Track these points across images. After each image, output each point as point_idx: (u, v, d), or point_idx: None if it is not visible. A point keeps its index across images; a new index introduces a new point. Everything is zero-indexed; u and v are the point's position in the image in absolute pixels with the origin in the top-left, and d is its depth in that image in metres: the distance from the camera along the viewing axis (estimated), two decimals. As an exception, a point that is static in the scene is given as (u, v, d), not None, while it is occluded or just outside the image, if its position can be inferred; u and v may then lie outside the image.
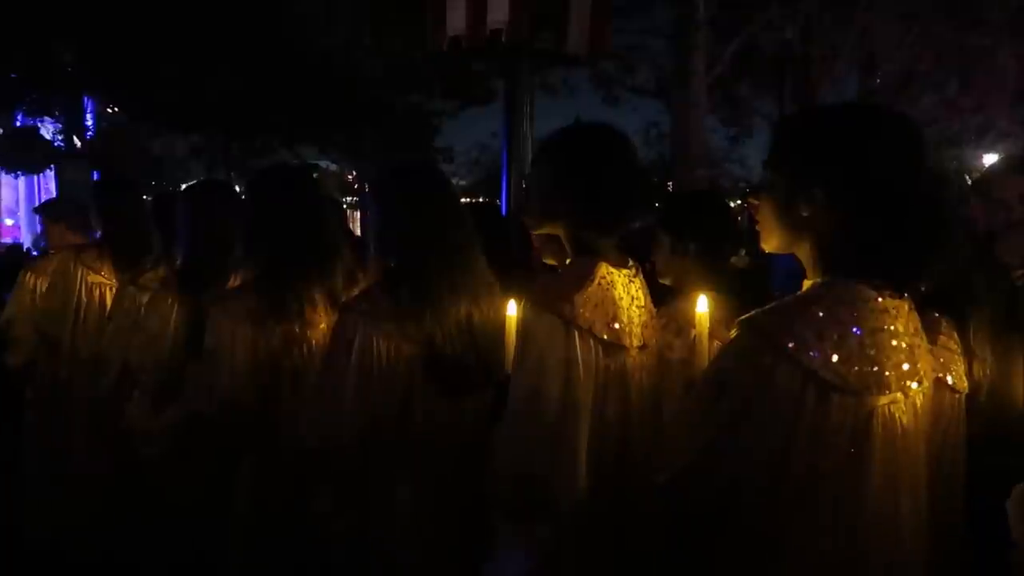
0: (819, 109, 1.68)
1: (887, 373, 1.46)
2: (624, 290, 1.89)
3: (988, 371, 2.00)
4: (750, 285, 2.87)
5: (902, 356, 1.49)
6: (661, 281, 2.52)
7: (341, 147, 18.61)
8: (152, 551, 2.97)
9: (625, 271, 1.93)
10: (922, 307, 1.61)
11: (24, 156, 12.48)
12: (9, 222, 20.21)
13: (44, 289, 3.81)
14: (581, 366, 1.77)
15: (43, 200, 5.65)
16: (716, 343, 1.93)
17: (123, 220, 3.62)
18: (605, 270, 1.86)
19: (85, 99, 14.22)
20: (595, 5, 4.47)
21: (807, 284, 1.55)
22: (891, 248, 1.48)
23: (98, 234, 3.79)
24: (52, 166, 13.34)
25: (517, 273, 2.60)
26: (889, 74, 14.16)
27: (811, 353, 1.42)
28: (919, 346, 1.55)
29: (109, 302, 3.59)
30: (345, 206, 17.52)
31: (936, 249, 1.55)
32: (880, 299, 1.48)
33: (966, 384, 1.94)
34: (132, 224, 3.58)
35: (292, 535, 2.40)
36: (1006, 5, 12.65)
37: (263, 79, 13.06)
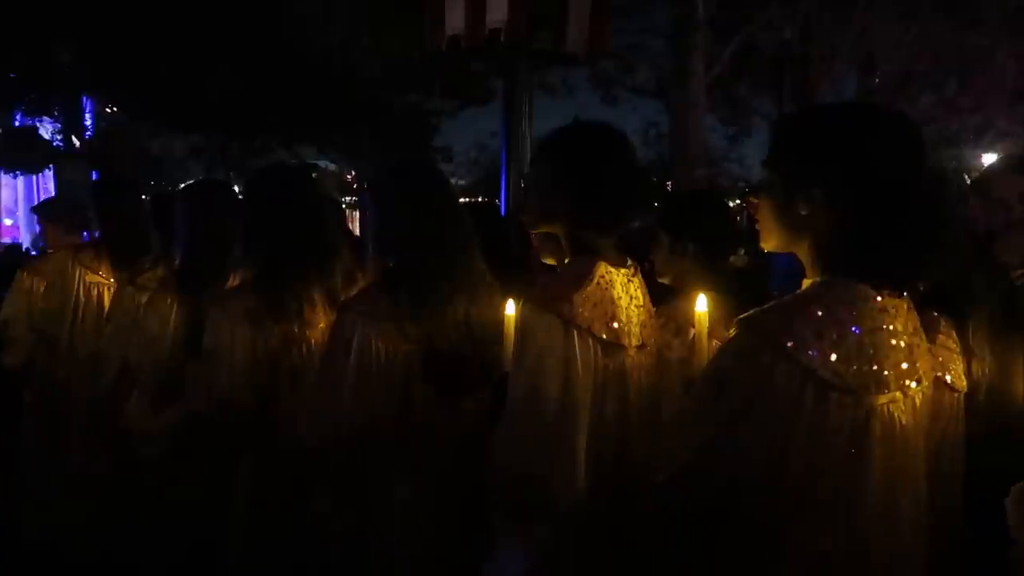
0: (817, 108, 1.68)
1: (886, 372, 1.46)
2: (623, 289, 1.89)
3: (987, 370, 2.00)
4: (749, 284, 2.88)
5: (901, 355, 1.49)
6: (660, 280, 2.52)
7: (340, 147, 18.62)
8: (150, 551, 2.97)
9: (624, 270, 1.93)
10: (921, 306, 1.61)
11: (23, 156, 12.49)
12: (8, 222, 20.18)
13: (40, 289, 3.81)
14: (580, 365, 1.77)
15: (41, 200, 5.65)
16: (715, 342, 1.93)
17: (121, 220, 3.62)
18: (604, 269, 1.86)
19: (84, 99, 14.23)
20: (594, 5, 4.47)
21: (806, 283, 1.55)
22: (890, 247, 1.48)
23: (94, 234, 3.78)
24: (51, 166, 13.34)
25: (516, 273, 2.60)
26: (888, 74, 14.17)
27: (810, 352, 1.41)
28: (918, 345, 1.54)
29: (107, 302, 3.59)
30: (344, 206, 17.52)
31: (935, 248, 1.55)
32: (879, 298, 1.48)
33: (965, 383, 1.94)
34: (130, 224, 3.58)
35: (291, 535, 2.40)
36: (1004, 5, 12.66)
37: (262, 79, 13.06)
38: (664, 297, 2.40)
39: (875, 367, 1.45)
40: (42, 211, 4.43)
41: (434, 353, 2.17)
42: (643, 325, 1.95)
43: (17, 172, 14.51)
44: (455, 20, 4.36)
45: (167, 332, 2.88)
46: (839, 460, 1.45)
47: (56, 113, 13.68)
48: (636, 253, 2.09)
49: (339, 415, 2.13)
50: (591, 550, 1.86)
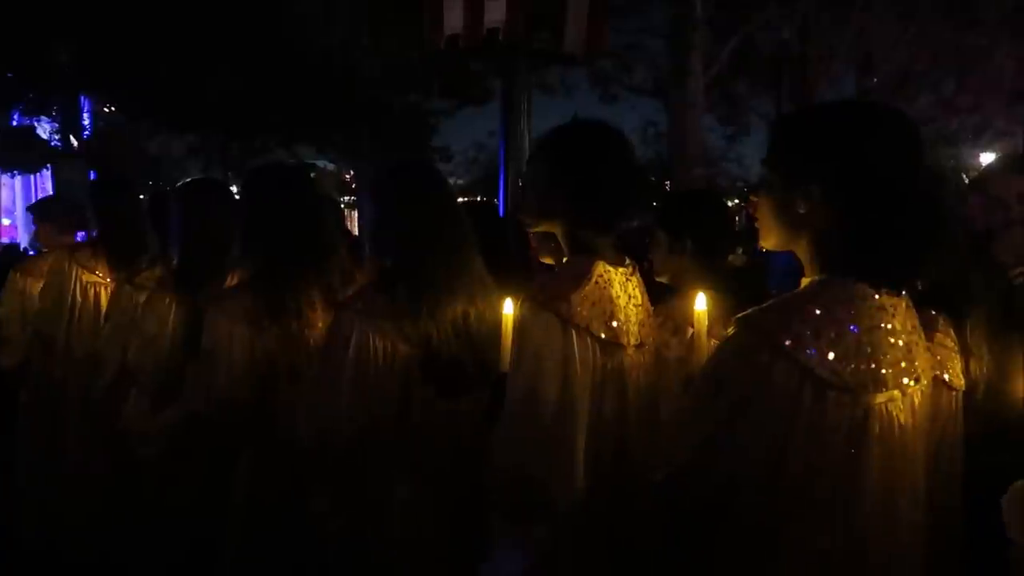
0: (816, 107, 1.69)
1: (884, 371, 1.46)
2: (621, 289, 1.89)
3: (985, 369, 2.00)
4: (747, 283, 2.88)
5: (899, 354, 1.49)
6: (658, 280, 2.52)
7: (339, 147, 18.60)
8: (149, 551, 2.96)
9: (622, 269, 1.92)
10: (919, 305, 1.61)
11: (21, 156, 12.49)
12: (6, 222, 20.18)
13: (33, 289, 3.82)
14: (578, 365, 1.77)
15: (36, 199, 5.65)
16: (713, 341, 1.93)
17: (119, 220, 3.61)
18: (602, 268, 1.86)
19: (82, 99, 14.22)
20: (592, 5, 4.47)
21: (805, 282, 1.55)
22: (888, 246, 1.48)
23: (89, 234, 3.78)
24: (49, 166, 13.34)
25: (514, 272, 2.60)
26: (886, 74, 14.18)
27: (808, 351, 1.41)
28: (917, 344, 1.54)
29: (104, 301, 3.59)
30: (343, 205, 17.53)
31: (933, 247, 1.55)
32: (877, 297, 1.48)
33: (963, 382, 1.94)
34: (128, 224, 3.58)
35: (289, 534, 2.40)
36: (1002, 5, 12.68)
37: (261, 79, 13.05)
38: (662, 296, 2.40)
39: (873, 366, 1.45)
40: (36, 210, 4.43)
41: (432, 353, 2.17)
42: (641, 324, 1.95)
43: (15, 172, 14.52)
44: (454, 20, 4.37)
45: (165, 332, 2.87)
46: (837, 459, 1.45)
47: (54, 113, 13.68)
48: (634, 252, 2.08)
49: (337, 414, 2.12)
50: (589, 550, 1.86)
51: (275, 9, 13.18)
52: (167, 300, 2.90)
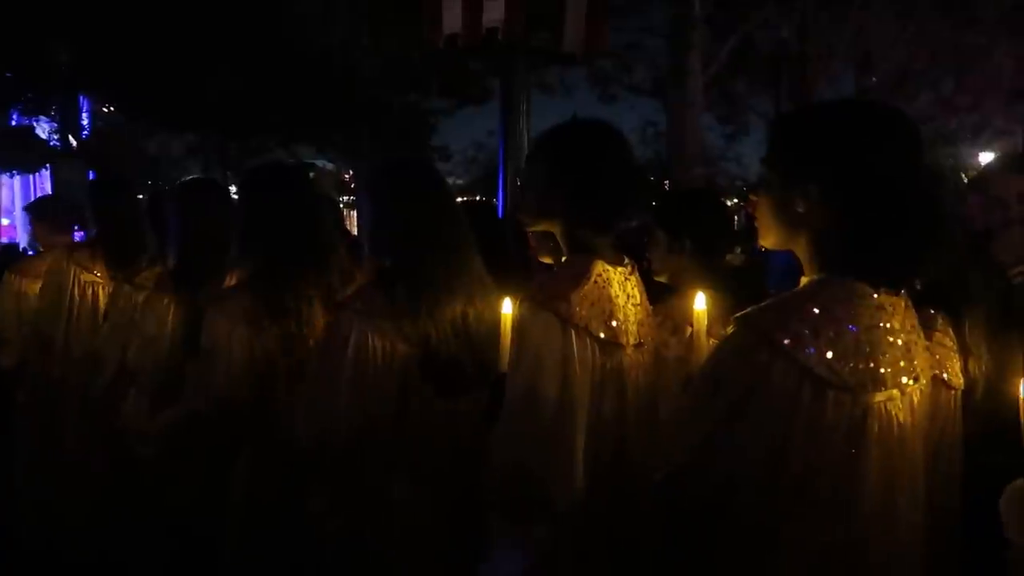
0: (815, 106, 1.69)
1: (883, 370, 1.46)
2: (620, 288, 1.89)
3: (984, 368, 2.00)
4: (746, 283, 2.88)
5: (898, 353, 1.49)
6: (656, 279, 2.52)
7: (338, 146, 18.60)
8: (147, 550, 2.96)
9: (621, 269, 1.92)
10: (918, 304, 1.61)
11: (19, 155, 12.49)
12: (5, 222, 20.16)
13: (28, 290, 3.84)
14: (577, 364, 1.77)
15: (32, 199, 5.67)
16: (712, 341, 1.93)
17: (117, 219, 3.61)
18: (601, 268, 1.86)
19: (81, 98, 14.20)
20: (591, 4, 4.47)
21: (804, 281, 1.55)
22: (886, 245, 1.47)
23: (83, 234, 3.78)
24: (47, 166, 13.34)
25: (513, 272, 2.60)
26: (885, 72, 14.19)
27: (807, 350, 1.41)
28: (916, 343, 1.54)
29: (102, 301, 3.60)
30: (342, 205, 17.53)
31: (932, 246, 1.55)
32: (876, 296, 1.48)
33: (962, 381, 1.94)
34: (126, 223, 3.58)
35: (287, 534, 2.39)
36: (1001, 3, 12.69)
37: (260, 78, 13.04)
38: (661, 296, 2.40)
39: (872, 365, 1.45)
40: (31, 210, 4.44)
41: (431, 352, 2.17)
42: (640, 324, 1.94)
43: (14, 172, 14.50)
44: (452, 19, 4.37)
45: (164, 332, 2.87)
46: (836, 458, 1.45)
47: (53, 113, 13.67)
48: (633, 252, 2.08)
49: (336, 414, 2.12)
50: (589, 550, 1.86)
51: (274, 9, 13.17)
52: (166, 300, 2.90)
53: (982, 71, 13.80)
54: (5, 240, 16.17)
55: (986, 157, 12.88)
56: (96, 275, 3.66)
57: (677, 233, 2.48)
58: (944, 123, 15.10)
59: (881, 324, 1.47)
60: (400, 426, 2.17)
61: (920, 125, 1.59)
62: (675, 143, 12.81)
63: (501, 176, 4.67)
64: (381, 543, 2.19)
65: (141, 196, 4.25)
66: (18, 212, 19.14)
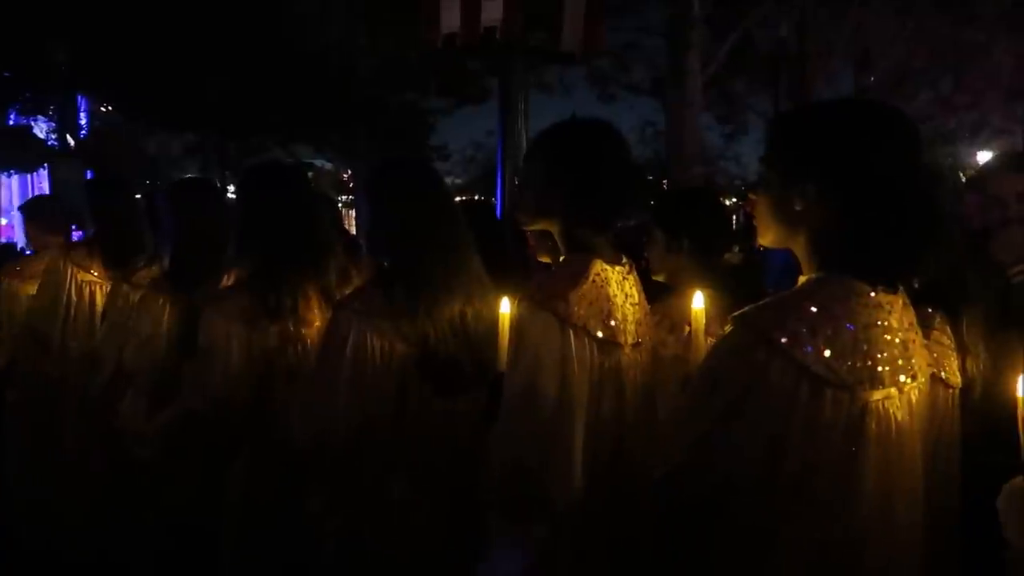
0: (814, 105, 1.69)
1: (881, 368, 1.46)
2: (618, 287, 1.89)
3: (982, 367, 2.00)
4: (744, 281, 2.88)
5: (896, 351, 1.49)
6: (655, 278, 2.52)
7: (336, 146, 18.60)
8: (146, 550, 2.96)
9: (619, 268, 1.92)
10: (916, 302, 1.61)
11: (17, 155, 12.47)
12: (3, 221, 20.14)
13: (19, 291, 3.86)
14: (576, 364, 1.77)
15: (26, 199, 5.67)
16: (710, 340, 1.93)
17: (114, 219, 3.61)
18: (599, 267, 1.86)
19: (79, 98, 14.19)
20: (589, 4, 4.47)
21: (802, 280, 1.55)
22: (884, 243, 1.47)
23: (81, 233, 3.78)
24: (45, 165, 13.32)
25: (511, 271, 2.59)
26: (884, 71, 14.20)
27: (804, 348, 1.41)
28: (914, 341, 1.54)
29: (99, 300, 3.60)
30: (340, 205, 17.52)
31: (930, 245, 1.55)
32: (874, 294, 1.48)
33: (960, 379, 1.94)
34: (124, 223, 3.58)
35: (285, 533, 2.39)
36: (1001, 1, 12.68)
37: (259, 78, 13.04)
38: (659, 295, 2.40)
39: (870, 363, 1.45)
40: (24, 210, 4.45)
41: (430, 352, 2.16)
42: (638, 323, 1.94)
43: (11, 171, 14.49)
44: (450, 18, 4.37)
45: (160, 332, 2.87)
46: (834, 457, 1.45)
47: (51, 112, 13.66)
48: (631, 251, 2.08)
49: (334, 414, 2.12)
50: (588, 549, 1.86)
51: (273, 9, 13.17)
52: (161, 300, 2.90)
53: (981, 69, 13.81)
54: (3, 240, 16.16)
55: (984, 156, 12.89)
56: (93, 274, 3.66)
57: (675, 232, 2.48)
58: (943, 122, 15.12)
59: (879, 323, 1.47)
60: (398, 426, 2.17)
61: (919, 124, 1.58)
62: (674, 142, 12.80)
63: (499, 175, 4.67)
64: (380, 543, 2.19)
65: (139, 196, 4.25)
66: (16, 212, 19.14)
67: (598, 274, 1.85)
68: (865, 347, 1.45)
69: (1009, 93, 14.23)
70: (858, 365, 1.44)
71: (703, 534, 1.58)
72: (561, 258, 1.96)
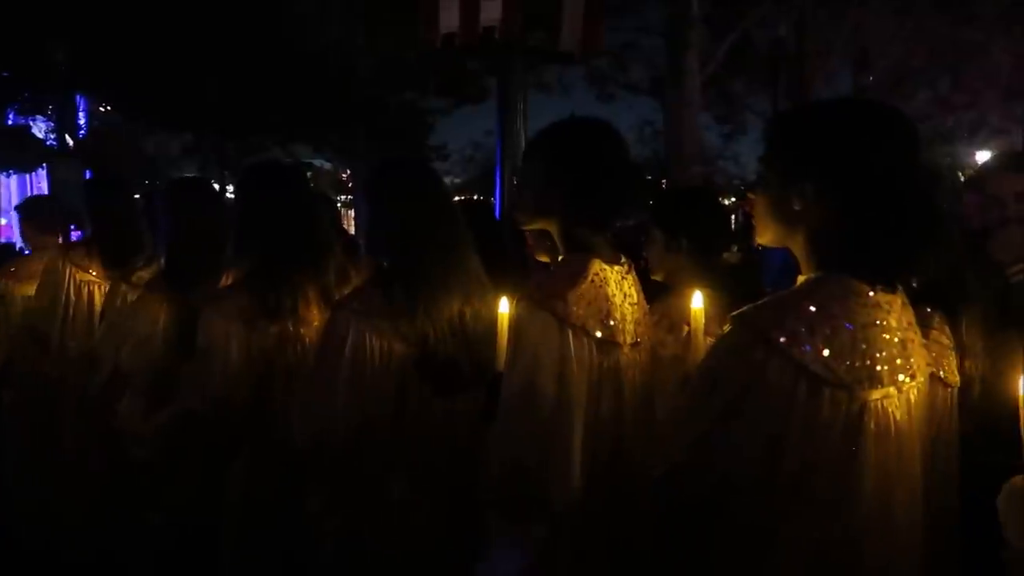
0: (812, 105, 1.69)
1: (879, 368, 1.46)
2: (617, 287, 1.89)
3: (980, 366, 2.00)
4: (742, 281, 2.88)
5: (894, 351, 1.49)
6: (653, 277, 2.52)
7: (335, 146, 18.59)
8: (145, 550, 2.96)
9: (618, 268, 1.92)
10: (914, 302, 1.61)
11: (16, 155, 12.45)
12: (2, 221, 20.13)
13: (14, 292, 3.88)
14: (574, 363, 1.77)
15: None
16: (708, 339, 1.93)
17: (113, 219, 3.61)
18: (598, 267, 1.86)
19: (77, 98, 14.18)
20: (588, 3, 4.46)
21: (801, 279, 1.55)
22: (883, 243, 1.47)
23: (80, 233, 3.79)
24: (44, 165, 13.31)
25: (510, 270, 2.59)
26: (883, 71, 14.21)
27: (803, 348, 1.41)
28: (913, 341, 1.54)
29: (98, 300, 3.60)
30: (339, 204, 17.52)
31: (928, 245, 1.55)
32: (872, 294, 1.48)
33: (958, 379, 1.94)
34: (122, 223, 3.58)
35: (285, 533, 2.39)
36: (998, 0, 12.69)
37: (258, 78, 13.04)
38: (658, 294, 2.40)
39: (868, 362, 1.45)
40: (20, 210, 4.45)
41: (429, 352, 2.16)
42: (637, 323, 1.94)
43: (10, 171, 14.47)
44: (449, 18, 4.36)
45: (157, 332, 2.86)
46: (833, 456, 1.45)
47: (49, 112, 13.65)
48: (630, 250, 2.08)
49: (333, 414, 2.12)
50: (587, 549, 1.86)
51: (272, 9, 13.16)
52: (157, 300, 2.89)
53: (979, 69, 13.82)
54: (3, 240, 16.15)
55: (983, 156, 12.91)
56: (92, 274, 3.66)
57: (674, 232, 2.48)
58: (941, 122, 15.14)
59: (877, 322, 1.47)
60: (398, 426, 2.17)
61: (917, 124, 1.59)
62: (672, 142, 12.80)
63: (498, 175, 4.66)
64: (379, 543, 2.19)
65: (138, 196, 4.25)
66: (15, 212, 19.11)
67: (597, 274, 1.85)
68: (864, 346, 1.45)
69: (1007, 93, 14.24)
70: (857, 364, 1.44)
71: (702, 534, 1.58)
72: (560, 258, 1.96)
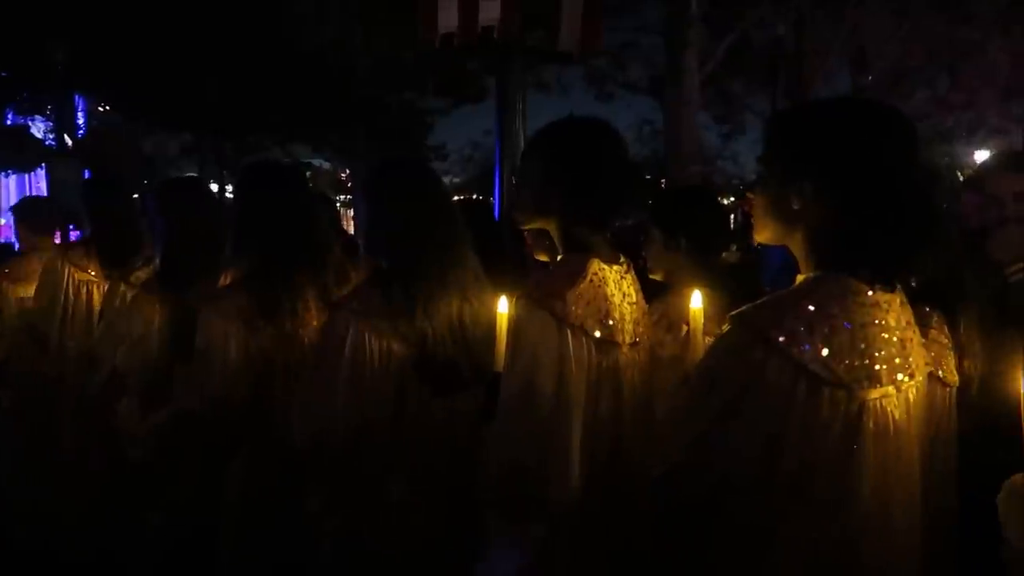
0: (810, 104, 1.69)
1: (878, 367, 1.46)
2: (616, 287, 1.89)
3: (979, 366, 2.00)
4: (741, 280, 2.88)
5: (893, 350, 1.49)
6: (652, 277, 2.52)
7: (334, 146, 18.59)
8: (144, 550, 2.96)
9: (616, 267, 1.92)
10: (913, 301, 1.61)
11: (14, 155, 12.43)
12: (1, 221, 20.11)
13: (8, 292, 3.91)
14: (573, 363, 1.77)
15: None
16: (708, 339, 1.93)
17: (111, 219, 3.61)
18: (597, 267, 1.86)
19: (76, 98, 14.16)
20: (586, 3, 4.46)
21: (800, 279, 1.55)
22: (881, 242, 1.48)
23: (78, 233, 3.80)
24: (43, 165, 13.29)
25: (509, 270, 2.59)
26: (881, 71, 14.23)
27: (802, 347, 1.41)
28: (911, 340, 1.54)
29: (97, 300, 3.61)
30: (338, 204, 17.51)
31: (927, 244, 1.55)
32: (871, 293, 1.48)
33: (957, 378, 1.94)
34: (121, 223, 3.57)
35: (284, 533, 2.39)
36: (996, 0, 12.71)
37: (257, 78, 13.03)
38: (657, 294, 2.40)
39: (867, 361, 1.45)
40: (15, 210, 4.45)
41: (428, 352, 2.16)
42: (636, 322, 1.94)
43: (9, 171, 14.45)
44: (448, 18, 4.35)
45: (151, 333, 2.86)
46: (832, 455, 1.45)
47: (48, 112, 13.64)
48: (629, 250, 2.08)
49: (332, 414, 2.12)
50: (585, 549, 1.86)
51: (272, 9, 13.16)
52: (152, 301, 2.88)
53: (977, 68, 13.84)
54: (2, 240, 16.14)
55: (982, 155, 12.92)
56: (91, 274, 3.66)
57: (673, 231, 2.48)
58: (940, 121, 15.15)
59: (876, 321, 1.47)
60: (397, 426, 2.16)
61: (916, 123, 1.59)
62: (672, 141, 12.81)
63: (497, 175, 4.65)
64: (378, 543, 2.19)
65: (137, 196, 4.25)
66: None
67: (596, 273, 1.85)
68: (863, 346, 1.45)
69: (1006, 92, 14.26)
70: (856, 364, 1.44)
71: (701, 533, 1.58)
72: (559, 257, 1.96)
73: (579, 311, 1.78)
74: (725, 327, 1.52)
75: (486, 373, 1.97)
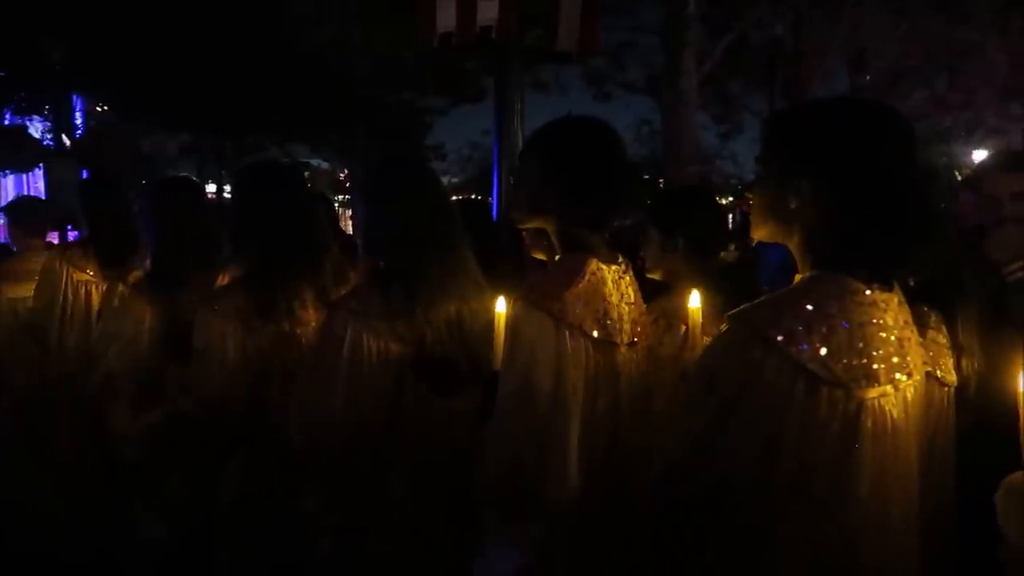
0: (808, 104, 1.70)
1: (876, 366, 1.46)
2: (614, 287, 1.89)
3: (977, 365, 2.00)
4: (739, 280, 2.88)
5: (891, 349, 1.49)
6: (650, 276, 2.52)
7: (333, 145, 18.58)
8: (143, 550, 2.96)
9: (615, 267, 1.92)
10: (911, 301, 1.61)
11: (12, 155, 12.42)
12: (-1, 222, 20.07)
13: (4, 292, 3.88)
14: (571, 363, 1.77)
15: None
16: (706, 338, 1.93)
17: (110, 219, 3.61)
18: (595, 266, 1.86)
19: (74, 98, 14.15)
20: (585, 3, 4.46)
21: (798, 278, 1.55)
22: (879, 241, 1.48)
23: (76, 233, 3.80)
24: (41, 165, 13.28)
25: (507, 270, 2.59)
26: (879, 71, 14.24)
27: (800, 346, 1.42)
28: (909, 339, 1.55)
29: (95, 300, 3.60)
30: (337, 204, 17.50)
31: (925, 243, 1.55)
32: (869, 292, 1.48)
33: (955, 377, 1.94)
34: (119, 223, 3.57)
35: (281, 533, 2.39)
36: (993, 0, 12.73)
37: (256, 78, 13.02)
38: (655, 294, 2.40)
39: (865, 361, 1.45)
40: (7, 210, 4.45)
41: (426, 352, 2.16)
42: (634, 322, 1.94)
43: (7, 171, 14.45)
44: (446, 18, 4.35)
45: (142, 333, 2.85)
46: (830, 455, 1.45)
47: (46, 112, 13.62)
48: (627, 250, 2.08)
49: (331, 414, 2.12)
50: (583, 547, 1.86)
51: (271, 9, 13.15)
52: (143, 301, 2.87)
53: (975, 68, 13.85)
54: (1, 240, 16.13)
55: (979, 155, 12.93)
56: (89, 274, 3.66)
57: (671, 231, 2.48)
58: (938, 121, 15.16)
59: (874, 320, 1.47)
60: (395, 425, 2.16)
61: (914, 123, 1.59)
62: (670, 141, 12.81)
63: (496, 175, 4.65)
64: (377, 542, 2.19)
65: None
66: (8, 212, 19.03)
67: (594, 273, 1.85)
68: (861, 345, 1.45)
69: (1003, 92, 14.27)
70: (854, 363, 1.44)
71: (699, 533, 1.58)
72: (556, 257, 1.96)
73: (577, 311, 1.78)
74: (723, 327, 1.52)
75: (484, 372, 1.98)
